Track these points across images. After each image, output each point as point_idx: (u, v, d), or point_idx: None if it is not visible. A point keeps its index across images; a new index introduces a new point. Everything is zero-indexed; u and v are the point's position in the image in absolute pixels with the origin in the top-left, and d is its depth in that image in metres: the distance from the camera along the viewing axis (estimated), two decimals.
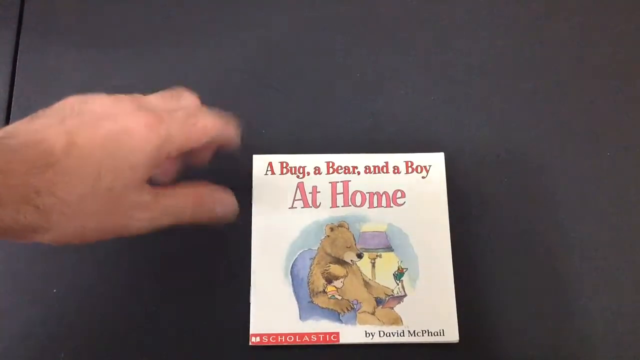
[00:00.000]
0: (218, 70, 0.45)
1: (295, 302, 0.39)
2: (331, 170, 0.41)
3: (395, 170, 0.41)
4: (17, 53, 0.46)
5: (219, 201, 0.35)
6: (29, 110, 0.44)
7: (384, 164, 0.41)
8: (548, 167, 0.43)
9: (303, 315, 0.38)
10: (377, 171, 0.41)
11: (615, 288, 0.40)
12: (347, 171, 0.41)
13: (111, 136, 0.29)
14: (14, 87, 0.45)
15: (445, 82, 0.45)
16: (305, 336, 0.38)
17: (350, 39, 0.47)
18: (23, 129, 0.29)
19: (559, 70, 0.46)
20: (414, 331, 0.38)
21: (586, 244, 0.41)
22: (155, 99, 0.34)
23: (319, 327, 0.38)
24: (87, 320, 0.40)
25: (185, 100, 0.35)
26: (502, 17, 0.47)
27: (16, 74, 0.45)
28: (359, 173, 0.41)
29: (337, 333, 0.38)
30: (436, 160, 0.42)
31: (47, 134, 0.28)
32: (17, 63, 0.45)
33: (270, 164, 0.41)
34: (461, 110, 0.45)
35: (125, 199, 0.30)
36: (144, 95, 0.34)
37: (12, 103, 0.44)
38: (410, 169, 0.41)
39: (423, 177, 0.41)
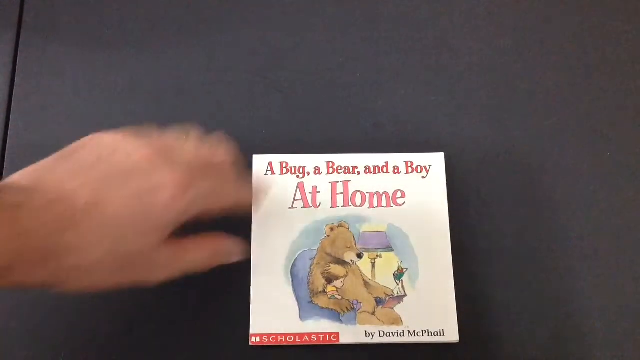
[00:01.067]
0: (218, 70, 0.45)
1: (295, 302, 0.39)
2: (331, 170, 0.41)
3: (395, 170, 0.41)
4: (17, 53, 0.46)
5: (228, 249, 0.35)
6: (29, 110, 0.45)
7: (384, 164, 0.41)
8: (548, 167, 0.43)
9: (303, 315, 0.38)
10: (377, 171, 0.41)
11: (615, 288, 0.40)
12: (347, 171, 0.41)
13: (139, 195, 0.28)
14: (14, 87, 0.45)
15: (445, 82, 0.45)
16: (305, 336, 0.38)
17: (351, 39, 0.47)
18: (48, 179, 0.27)
19: (559, 70, 0.46)
20: (414, 331, 0.38)
21: (586, 244, 0.41)
22: (189, 149, 0.32)
23: (319, 327, 0.38)
24: (87, 320, 0.40)
25: (220, 155, 0.33)
26: (502, 17, 0.47)
27: (16, 74, 0.45)
28: (359, 173, 0.41)
29: (337, 333, 0.38)
30: (436, 160, 0.42)
31: (70, 190, 0.27)
32: (17, 63, 0.45)
33: (270, 164, 0.41)
34: (461, 110, 0.45)
35: (143, 259, 0.29)
36: (183, 135, 0.32)
37: (12, 103, 0.44)
38: (410, 169, 0.41)
39: (423, 177, 0.41)
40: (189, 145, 0.32)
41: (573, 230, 0.42)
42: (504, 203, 0.42)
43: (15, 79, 0.45)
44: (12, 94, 0.45)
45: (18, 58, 0.45)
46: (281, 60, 0.46)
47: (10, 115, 0.44)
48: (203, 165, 0.32)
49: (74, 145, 0.30)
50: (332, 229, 0.40)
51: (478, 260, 0.41)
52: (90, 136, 0.31)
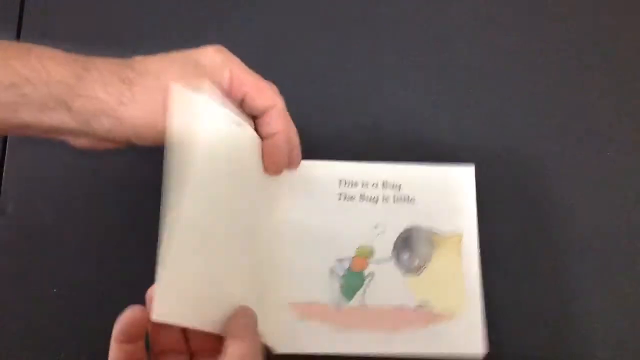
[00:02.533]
0: None
1: None
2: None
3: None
4: None
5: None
6: None
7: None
8: (548, 167, 0.43)
9: None
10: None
11: (615, 288, 0.40)
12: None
13: (180, 54, 0.36)
14: None
15: (445, 82, 0.45)
16: None
17: (350, 39, 0.46)
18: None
19: (559, 70, 0.46)
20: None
21: (586, 244, 0.41)
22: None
23: None
24: (87, 320, 0.40)
25: None
26: (502, 17, 0.47)
27: None
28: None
29: None
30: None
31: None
32: None
33: None
34: (461, 110, 0.45)
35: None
36: None
37: None
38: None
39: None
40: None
41: (573, 230, 0.41)
42: (503, 203, 0.42)
43: None
44: None
45: None
46: (281, 60, 0.46)
47: None
48: None
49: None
50: None
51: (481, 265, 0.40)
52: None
